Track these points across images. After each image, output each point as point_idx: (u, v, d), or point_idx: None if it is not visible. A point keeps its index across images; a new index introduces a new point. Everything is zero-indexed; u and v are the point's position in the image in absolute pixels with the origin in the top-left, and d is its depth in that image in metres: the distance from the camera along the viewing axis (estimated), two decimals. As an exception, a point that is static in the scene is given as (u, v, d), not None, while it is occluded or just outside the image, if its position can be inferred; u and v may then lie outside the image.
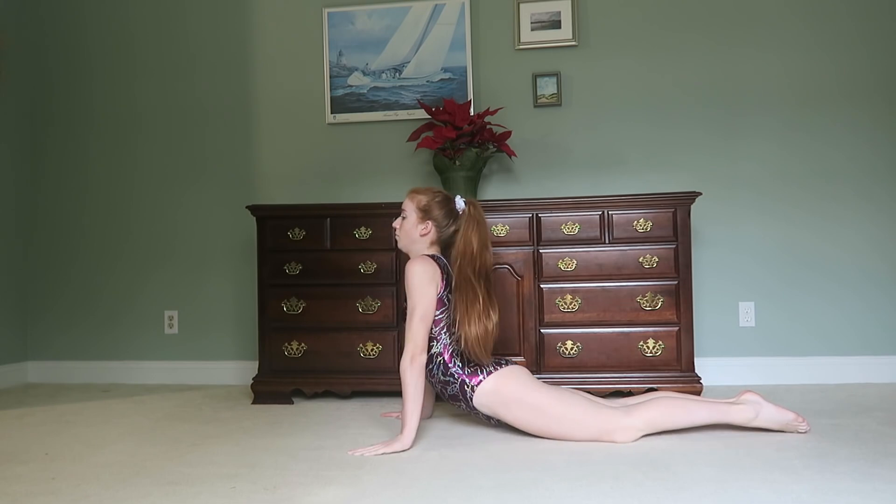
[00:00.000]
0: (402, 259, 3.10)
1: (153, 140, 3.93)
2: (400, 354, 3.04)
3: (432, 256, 2.53)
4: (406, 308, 2.49)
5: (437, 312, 2.47)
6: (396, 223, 2.61)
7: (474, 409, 2.46)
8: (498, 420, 2.50)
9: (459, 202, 2.61)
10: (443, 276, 2.50)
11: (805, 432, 2.41)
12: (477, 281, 2.49)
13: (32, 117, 4.00)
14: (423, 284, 2.43)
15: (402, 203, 2.64)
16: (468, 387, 2.43)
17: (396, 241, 2.65)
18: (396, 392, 2.93)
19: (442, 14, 3.71)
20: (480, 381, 2.42)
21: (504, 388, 2.41)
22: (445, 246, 2.64)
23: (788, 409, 2.47)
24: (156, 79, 3.93)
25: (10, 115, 3.87)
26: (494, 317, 2.48)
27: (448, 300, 2.51)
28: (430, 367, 2.49)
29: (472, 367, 2.46)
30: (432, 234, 2.58)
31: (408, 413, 2.33)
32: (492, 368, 2.45)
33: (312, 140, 3.81)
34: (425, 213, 2.57)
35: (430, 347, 2.47)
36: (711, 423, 2.43)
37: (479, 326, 2.43)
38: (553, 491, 1.87)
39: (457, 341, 2.47)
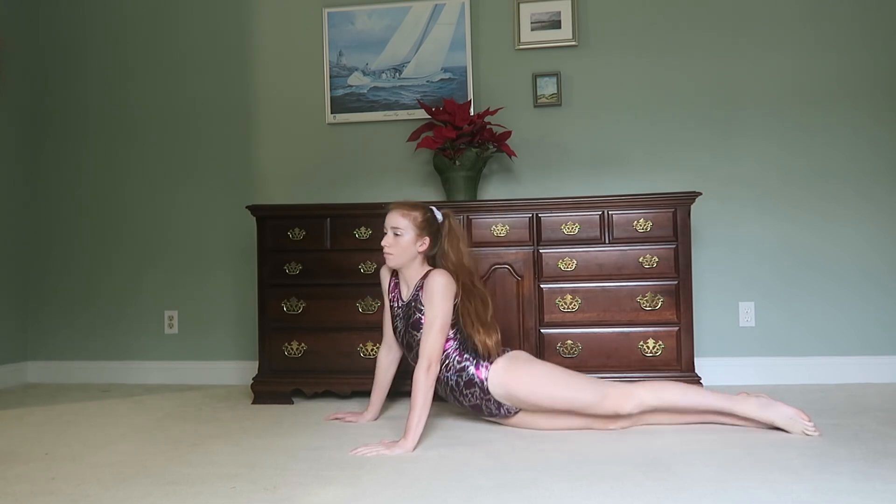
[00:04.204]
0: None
1: (152, 140, 3.92)
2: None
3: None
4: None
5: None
6: (387, 241, 2.60)
7: (487, 392, 2.50)
8: (507, 409, 2.52)
9: (438, 214, 2.68)
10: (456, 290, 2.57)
11: (813, 434, 2.37)
12: (478, 288, 2.62)
13: (33, 117, 4.00)
14: (446, 297, 2.49)
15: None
16: (482, 368, 2.51)
17: (386, 260, 2.64)
18: (396, 392, 2.93)
19: (442, 14, 3.71)
20: (493, 360, 2.52)
21: (513, 364, 2.52)
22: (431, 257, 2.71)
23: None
24: (157, 79, 3.93)
25: (11, 114, 3.87)
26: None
27: (457, 313, 2.58)
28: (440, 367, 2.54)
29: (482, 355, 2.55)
30: (427, 248, 2.62)
31: (415, 420, 2.35)
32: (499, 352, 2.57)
33: (312, 140, 3.81)
34: (423, 229, 2.60)
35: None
36: (718, 409, 2.47)
37: (495, 333, 2.54)
38: (553, 491, 1.87)
39: (462, 338, 2.58)
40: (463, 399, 2.56)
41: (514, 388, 2.49)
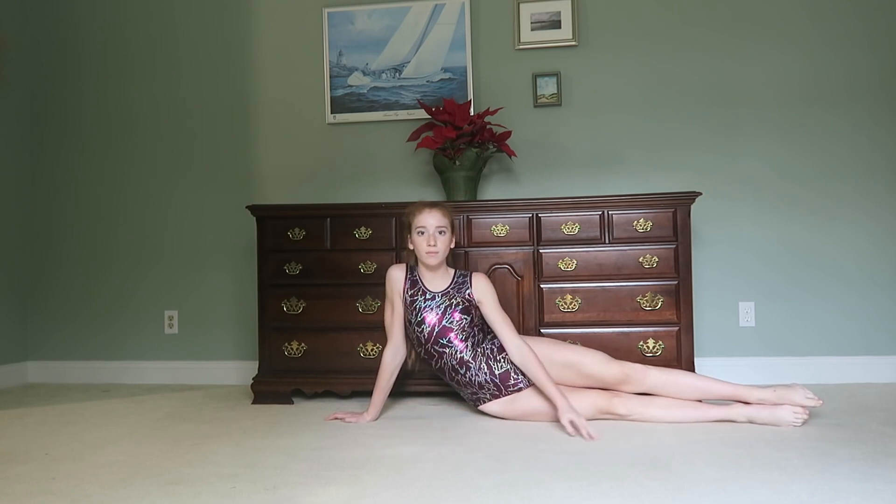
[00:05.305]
0: (402, 259, 3.11)
1: (152, 139, 3.92)
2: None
3: None
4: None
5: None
6: (433, 240, 2.68)
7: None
8: (527, 380, 2.66)
9: None
10: None
11: (814, 398, 2.52)
12: None
13: (32, 116, 4.00)
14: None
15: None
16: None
17: (429, 259, 2.70)
18: (396, 393, 2.93)
19: (442, 14, 3.71)
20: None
21: (525, 338, 2.77)
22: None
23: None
24: (156, 79, 3.93)
25: (9, 114, 3.87)
26: None
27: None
28: (478, 352, 2.73)
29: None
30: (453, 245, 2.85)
31: (544, 378, 2.56)
32: None
33: (312, 140, 3.81)
34: (455, 227, 2.83)
35: (475, 343, 2.74)
36: (728, 396, 2.63)
37: None
38: (553, 491, 1.87)
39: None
40: (495, 366, 2.67)
41: (535, 347, 2.66)
